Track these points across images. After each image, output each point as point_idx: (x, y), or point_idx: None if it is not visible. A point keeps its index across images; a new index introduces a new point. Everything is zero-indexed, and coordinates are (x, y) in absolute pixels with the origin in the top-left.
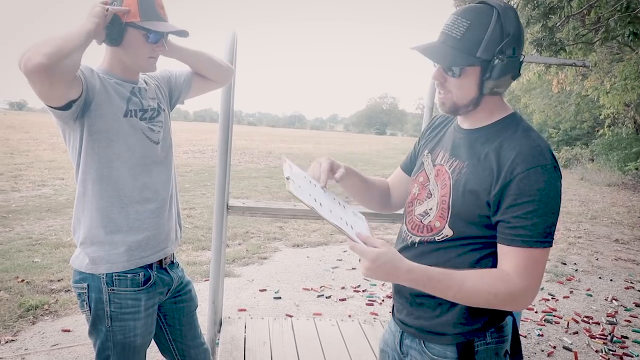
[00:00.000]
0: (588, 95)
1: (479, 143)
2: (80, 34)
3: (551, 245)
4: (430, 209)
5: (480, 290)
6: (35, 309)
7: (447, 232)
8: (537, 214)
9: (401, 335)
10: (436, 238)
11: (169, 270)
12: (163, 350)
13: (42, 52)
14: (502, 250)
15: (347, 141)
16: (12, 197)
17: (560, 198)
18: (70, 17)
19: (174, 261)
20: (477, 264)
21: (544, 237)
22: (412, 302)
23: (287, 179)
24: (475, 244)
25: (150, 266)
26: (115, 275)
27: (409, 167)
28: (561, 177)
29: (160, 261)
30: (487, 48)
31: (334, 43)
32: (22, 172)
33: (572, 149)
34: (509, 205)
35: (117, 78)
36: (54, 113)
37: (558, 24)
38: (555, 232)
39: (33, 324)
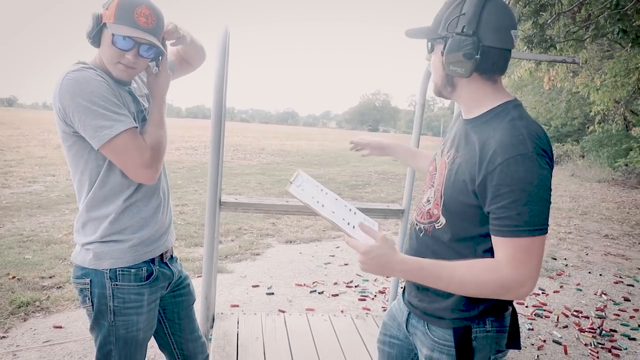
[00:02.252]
0: (579, 92)
1: (471, 132)
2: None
3: (544, 233)
4: (430, 197)
5: (469, 280)
6: (27, 306)
7: (442, 219)
8: (520, 202)
9: (408, 315)
10: (436, 225)
11: (169, 264)
12: (161, 344)
13: (153, 168)
14: (494, 241)
15: (340, 138)
16: (3, 193)
17: (547, 184)
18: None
19: (173, 255)
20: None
21: (531, 226)
22: (419, 287)
23: (291, 182)
24: (470, 238)
25: (152, 261)
26: (119, 270)
27: None
28: (548, 164)
29: (162, 255)
30: (445, 25)
31: (327, 42)
32: (12, 169)
33: (563, 145)
34: (493, 197)
35: (111, 78)
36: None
37: (549, 21)
38: None
39: (24, 320)
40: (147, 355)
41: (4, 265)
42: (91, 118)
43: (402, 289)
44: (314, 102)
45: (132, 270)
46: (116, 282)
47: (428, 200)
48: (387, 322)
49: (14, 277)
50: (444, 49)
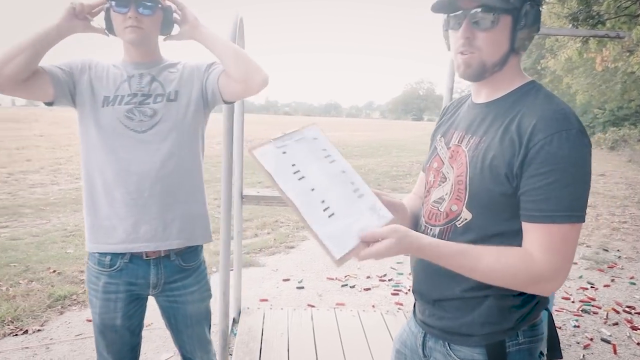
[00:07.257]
0: (634, 72)
1: (497, 115)
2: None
3: (582, 221)
4: (446, 194)
5: (496, 270)
6: (64, 299)
7: (466, 215)
8: (561, 184)
9: (424, 337)
10: (456, 224)
11: (152, 264)
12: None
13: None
14: (525, 227)
15: (383, 128)
16: (51, 190)
17: (590, 166)
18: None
19: (173, 258)
20: None
21: (570, 211)
22: (435, 304)
23: (272, 140)
24: (499, 235)
25: (122, 253)
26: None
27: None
28: (590, 145)
29: (142, 252)
30: None
31: (370, 32)
32: (61, 166)
33: (620, 129)
34: (530, 176)
35: (128, 63)
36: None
37: None
38: (598, 217)
39: (61, 314)
40: (140, 353)
41: (47, 259)
42: None
43: (412, 309)
44: (357, 93)
45: (97, 254)
46: (87, 261)
47: (441, 198)
48: (400, 349)
49: (54, 271)
50: (520, 20)
